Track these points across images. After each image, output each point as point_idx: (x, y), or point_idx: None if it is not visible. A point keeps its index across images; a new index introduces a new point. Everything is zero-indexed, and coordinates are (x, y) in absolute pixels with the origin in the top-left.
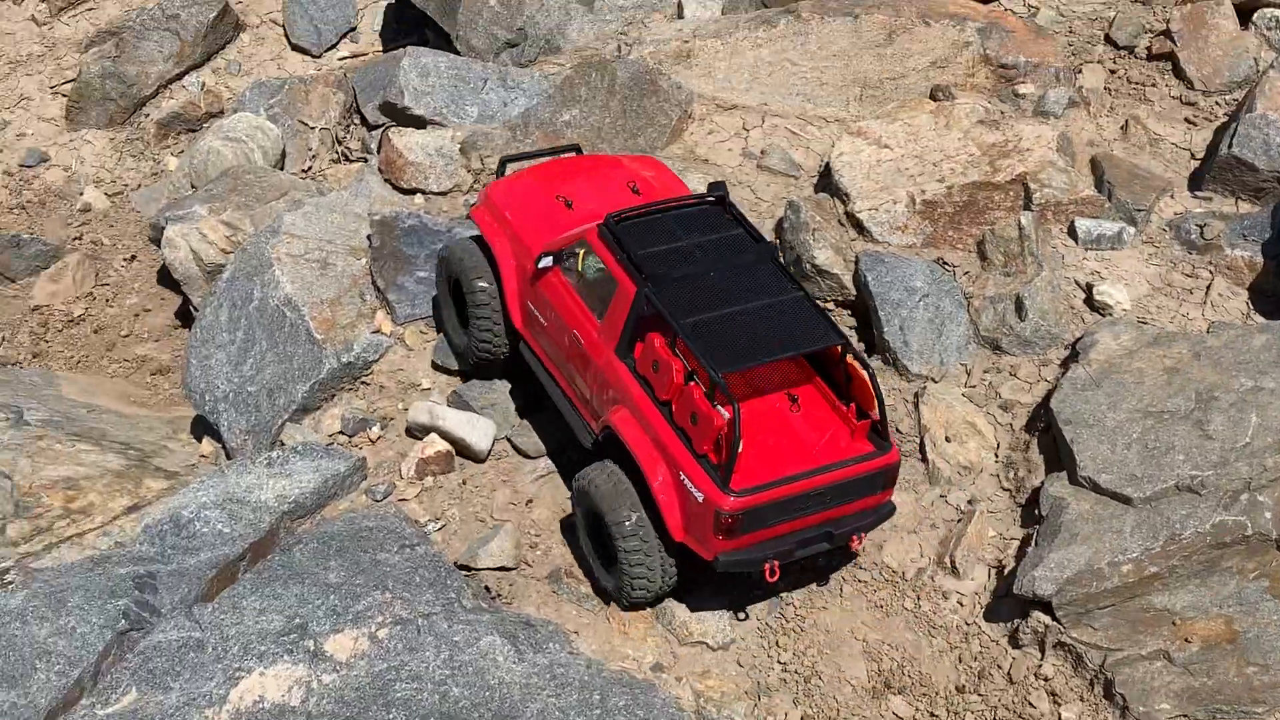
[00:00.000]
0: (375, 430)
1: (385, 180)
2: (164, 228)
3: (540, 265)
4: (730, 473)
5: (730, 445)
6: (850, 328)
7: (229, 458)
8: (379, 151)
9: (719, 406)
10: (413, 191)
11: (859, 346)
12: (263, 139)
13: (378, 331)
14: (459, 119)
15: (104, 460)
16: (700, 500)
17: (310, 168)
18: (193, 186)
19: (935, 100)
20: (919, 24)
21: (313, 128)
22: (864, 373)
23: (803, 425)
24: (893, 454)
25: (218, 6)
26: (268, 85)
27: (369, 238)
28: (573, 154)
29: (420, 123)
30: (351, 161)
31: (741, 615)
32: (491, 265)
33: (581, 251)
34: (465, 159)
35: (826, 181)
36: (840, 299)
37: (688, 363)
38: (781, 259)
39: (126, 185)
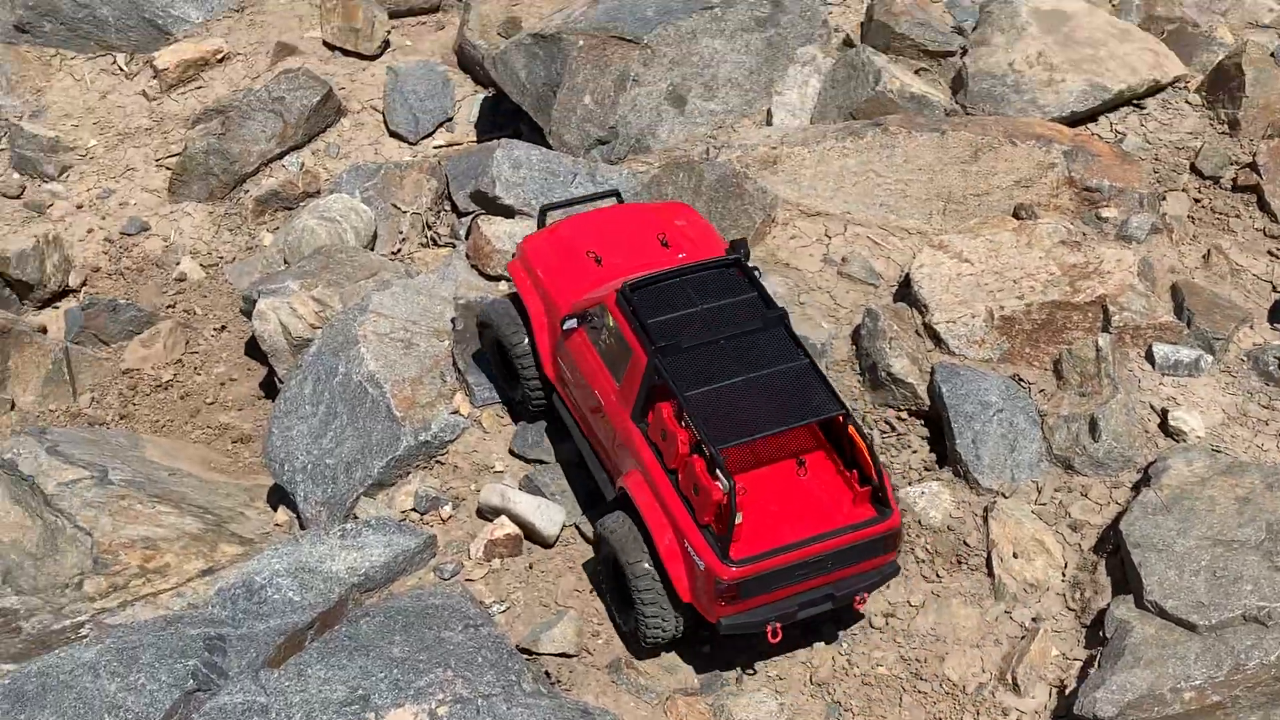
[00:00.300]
0: (447, 509)
1: (472, 266)
2: (255, 300)
3: (565, 327)
4: (729, 544)
5: (728, 518)
6: (923, 438)
7: (303, 528)
8: (467, 238)
9: (720, 478)
10: (497, 279)
11: (930, 457)
12: (356, 220)
13: (456, 412)
14: None
15: (182, 523)
16: (702, 569)
17: (400, 250)
18: (285, 262)
19: (1018, 218)
20: (1005, 143)
21: (405, 211)
22: (862, 442)
23: (809, 490)
24: (893, 519)
25: (321, 91)
26: (364, 169)
27: (453, 320)
28: (612, 199)
29: (509, 212)
30: (440, 246)
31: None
32: (525, 319)
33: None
34: None
35: (906, 292)
36: (914, 409)
37: (693, 433)
38: (791, 324)
39: (221, 258)
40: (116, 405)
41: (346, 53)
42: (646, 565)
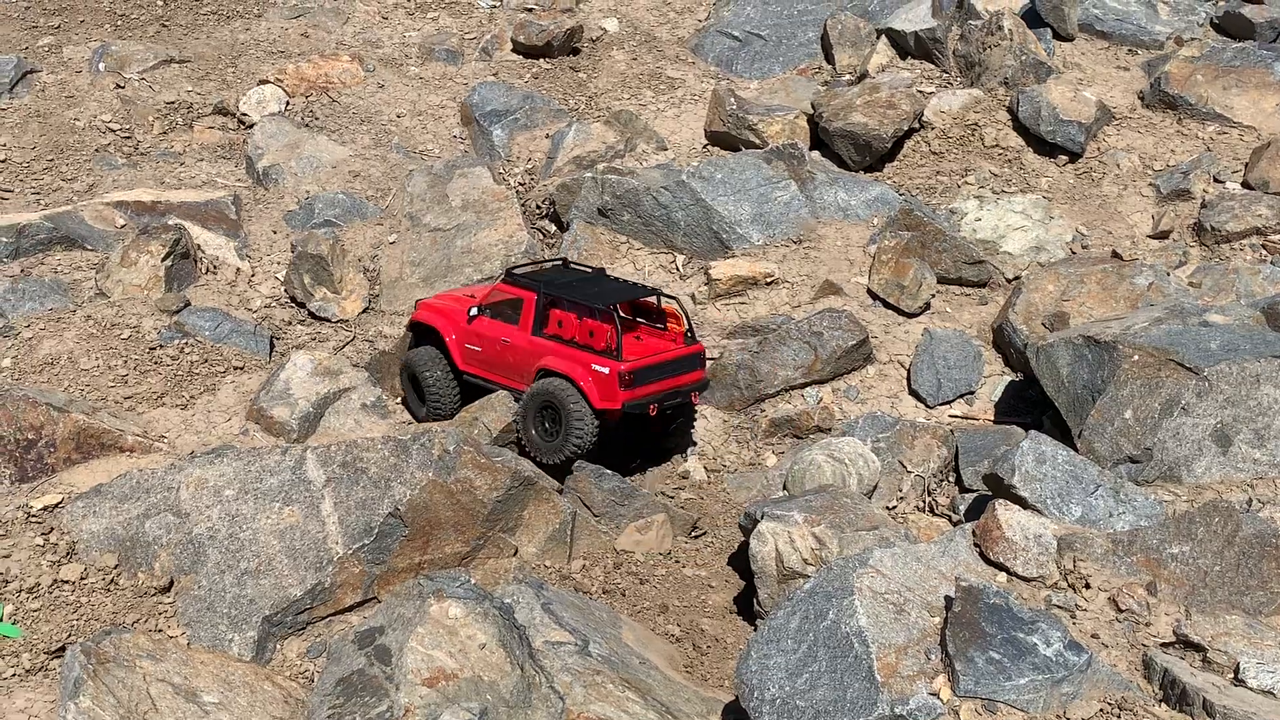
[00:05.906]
0: None
1: (974, 546)
2: (757, 520)
3: (471, 315)
4: (621, 355)
5: (619, 341)
6: None
7: None
8: (966, 516)
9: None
10: (998, 566)
11: None
12: (863, 467)
13: (935, 695)
14: (1060, 514)
15: (645, 716)
16: (607, 374)
17: (895, 507)
18: (785, 488)
19: None
20: None
21: (910, 472)
22: (674, 305)
23: (657, 337)
24: (698, 345)
25: (859, 337)
26: (881, 419)
27: (948, 599)
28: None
29: (1022, 503)
30: (935, 515)
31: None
32: (440, 347)
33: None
34: (1059, 555)
35: None
36: None
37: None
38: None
39: (724, 466)
40: (601, 579)
41: (887, 305)
42: (572, 390)
